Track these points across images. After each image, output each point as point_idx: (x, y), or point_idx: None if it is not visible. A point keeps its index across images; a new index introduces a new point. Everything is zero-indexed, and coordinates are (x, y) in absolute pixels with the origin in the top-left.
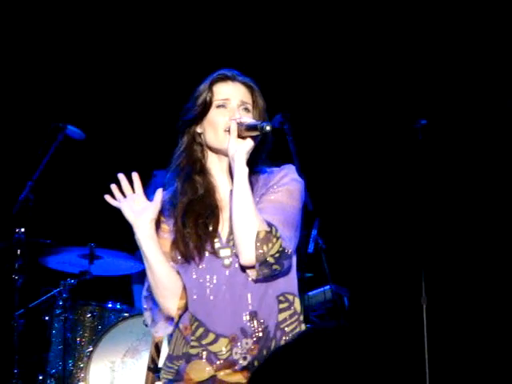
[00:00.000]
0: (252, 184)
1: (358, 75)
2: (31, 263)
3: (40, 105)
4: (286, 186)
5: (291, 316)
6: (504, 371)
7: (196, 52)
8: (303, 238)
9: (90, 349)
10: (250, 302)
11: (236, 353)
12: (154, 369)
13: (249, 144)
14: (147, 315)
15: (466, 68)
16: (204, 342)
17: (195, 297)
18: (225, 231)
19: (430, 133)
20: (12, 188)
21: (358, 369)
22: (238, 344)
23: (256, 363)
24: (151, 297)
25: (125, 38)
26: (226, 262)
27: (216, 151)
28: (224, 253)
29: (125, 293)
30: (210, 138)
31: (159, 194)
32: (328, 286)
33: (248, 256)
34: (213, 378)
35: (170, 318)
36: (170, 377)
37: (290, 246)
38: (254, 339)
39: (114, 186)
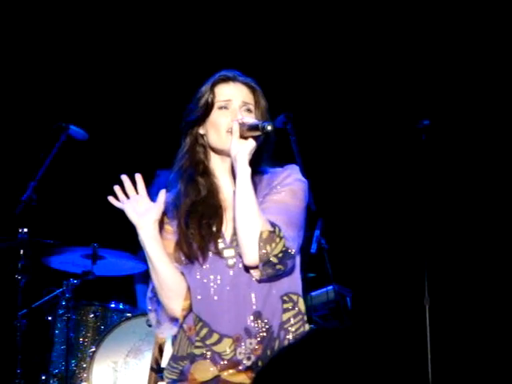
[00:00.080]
0: (255, 184)
1: (361, 75)
2: (34, 263)
3: (43, 105)
4: (290, 185)
5: (295, 316)
6: (507, 372)
7: (199, 52)
8: (306, 239)
9: (93, 349)
10: (253, 302)
11: (240, 353)
12: (157, 369)
13: (251, 144)
14: (152, 316)
15: (469, 68)
16: (208, 343)
17: (199, 297)
18: (229, 231)
19: (433, 133)
20: (15, 188)
21: (361, 370)
22: (242, 344)
23: (260, 363)
24: (156, 298)
25: (127, 38)
26: (230, 262)
27: (219, 152)
28: (228, 253)
29: (128, 293)
30: (212, 140)
31: (162, 195)
32: (331, 287)
33: (251, 256)
34: (217, 378)
35: (174, 319)
36: (175, 377)
37: (294, 246)
38: (258, 339)
39: (117, 188)
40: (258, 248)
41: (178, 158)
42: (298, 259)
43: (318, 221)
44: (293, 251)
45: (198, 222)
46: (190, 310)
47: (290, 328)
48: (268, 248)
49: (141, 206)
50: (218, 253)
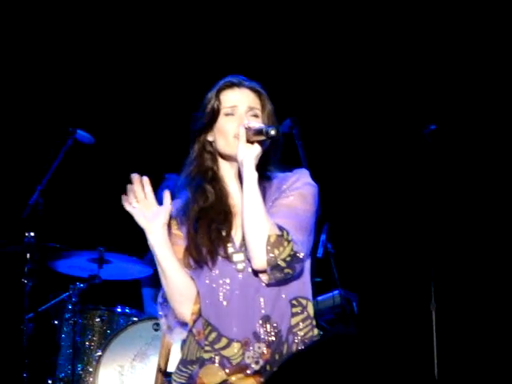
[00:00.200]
0: (265, 189)
1: (367, 80)
2: (41, 267)
3: (49, 109)
4: (299, 189)
5: (304, 320)
6: None
7: (205, 56)
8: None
9: (99, 353)
10: (262, 306)
11: (248, 357)
12: (164, 370)
13: (257, 149)
14: (163, 322)
15: (476, 73)
16: (217, 347)
17: (208, 301)
18: (238, 236)
19: (440, 138)
20: (22, 192)
21: (368, 375)
22: (251, 348)
23: (268, 367)
24: (166, 303)
25: (134, 42)
26: (240, 266)
27: (227, 158)
28: (237, 257)
29: (134, 297)
30: (220, 146)
31: (168, 197)
32: (337, 291)
33: (259, 260)
34: (225, 382)
35: (184, 324)
36: (183, 381)
37: (303, 250)
38: (267, 343)
39: (130, 187)
40: (266, 252)
41: (186, 164)
42: (307, 263)
43: (324, 225)
44: (301, 255)
45: (208, 227)
46: (199, 314)
47: (298, 332)
48: (276, 252)
49: (149, 211)
50: (228, 257)
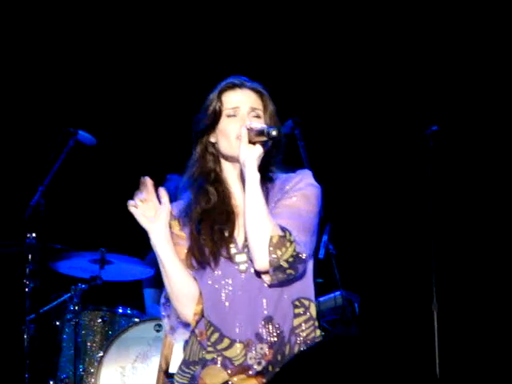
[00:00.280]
0: (267, 189)
1: (369, 81)
2: (42, 268)
3: (51, 110)
4: (302, 190)
5: (306, 321)
6: None
7: (206, 57)
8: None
9: (101, 354)
10: (265, 307)
11: (250, 358)
12: (167, 374)
13: (259, 149)
14: (165, 322)
15: (478, 74)
16: (219, 348)
17: (210, 302)
18: (241, 237)
19: (442, 139)
20: (23, 193)
21: (371, 377)
22: (253, 349)
23: (270, 368)
24: (169, 304)
25: (136, 43)
26: (242, 267)
27: (230, 159)
28: (240, 258)
29: (135, 298)
30: (223, 147)
31: (165, 196)
32: (338, 292)
33: (261, 261)
34: (227, 383)
35: (187, 324)
36: (185, 381)
37: (305, 251)
38: (269, 344)
39: (138, 191)
40: (268, 253)
41: (189, 166)
42: (310, 264)
43: (325, 226)
44: (304, 256)
45: (210, 227)
46: (202, 314)
47: (300, 333)
48: (278, 253)
49: (150, 211)
50: (230, 258)
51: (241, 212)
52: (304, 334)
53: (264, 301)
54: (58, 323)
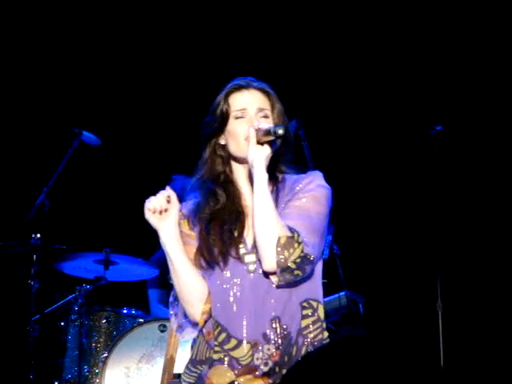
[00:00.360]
0: (278, 190)
1: (374, 82)
2: (47, 269)
3: (56, 111)
4: (312, 191)
5: (314, 323)
6: None
7: (212, 58)
8: None
9: (106, 354)
10: (273, 307)
11: (257, 358)
12: (173, 374)
13: (267, 149)
14: (173, 321)
15: (483, 74)
16: (226, 348)
17: (218, 302)
18: (250, 237)
19: (446, 139)
20: (28, 194)
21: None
22: (260, 350)
23: (277, 369)
24: (177, 302)
25: (141, 44)
26: (251, 267)
27: (240, 161)
28: (249, 258)
29: (140, 298)
30: (232, 149)
31: (173, 195)
32: (343, 293)
33: (269, 262)
34: (233, 383)
35: (195, 323)
36: (192, 381)
37: (314, 252)
38: (276, 345)
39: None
40: (276, 253)
41: (198, 168)
42: (319, 266)
43: (330, 227)
44: (312, 257)
45: (220, 228)
46: (210, 314)
47: (308, 334)
48: (286, 253)
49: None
50: (239, 258)
51: (250, 212)
52: (312, 336)
53: (272, 301)
54: (62, 324)
